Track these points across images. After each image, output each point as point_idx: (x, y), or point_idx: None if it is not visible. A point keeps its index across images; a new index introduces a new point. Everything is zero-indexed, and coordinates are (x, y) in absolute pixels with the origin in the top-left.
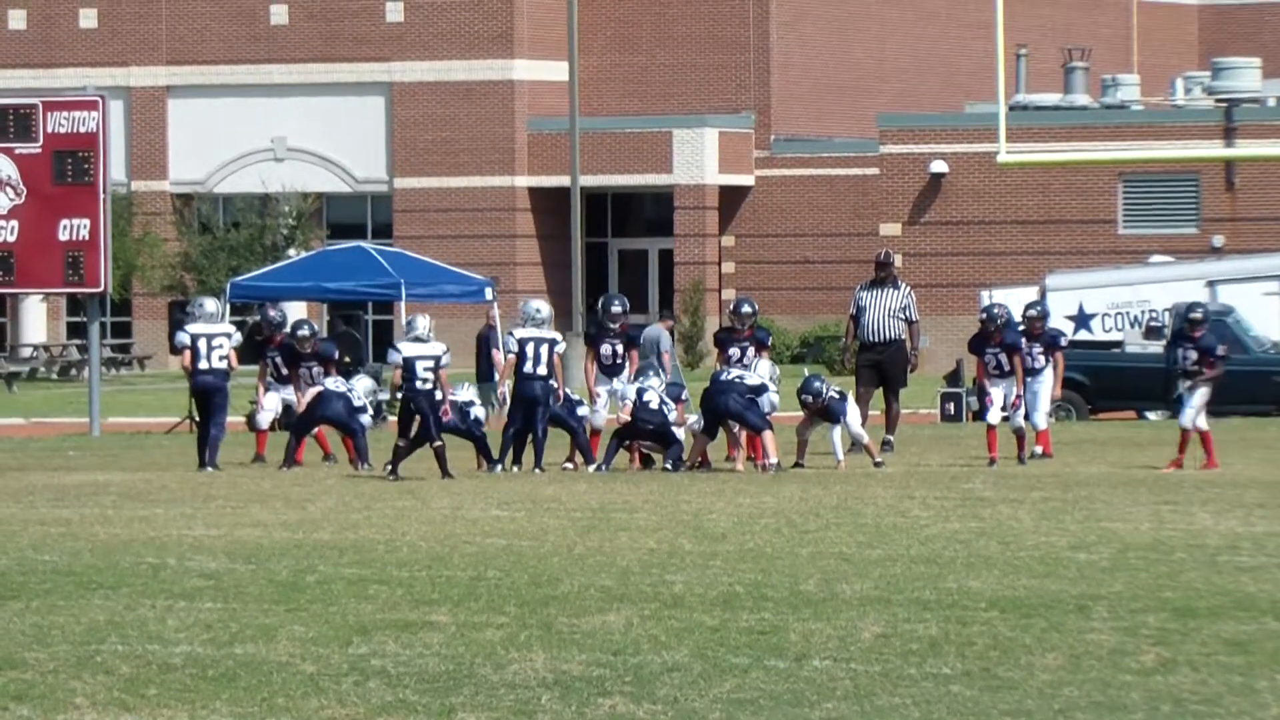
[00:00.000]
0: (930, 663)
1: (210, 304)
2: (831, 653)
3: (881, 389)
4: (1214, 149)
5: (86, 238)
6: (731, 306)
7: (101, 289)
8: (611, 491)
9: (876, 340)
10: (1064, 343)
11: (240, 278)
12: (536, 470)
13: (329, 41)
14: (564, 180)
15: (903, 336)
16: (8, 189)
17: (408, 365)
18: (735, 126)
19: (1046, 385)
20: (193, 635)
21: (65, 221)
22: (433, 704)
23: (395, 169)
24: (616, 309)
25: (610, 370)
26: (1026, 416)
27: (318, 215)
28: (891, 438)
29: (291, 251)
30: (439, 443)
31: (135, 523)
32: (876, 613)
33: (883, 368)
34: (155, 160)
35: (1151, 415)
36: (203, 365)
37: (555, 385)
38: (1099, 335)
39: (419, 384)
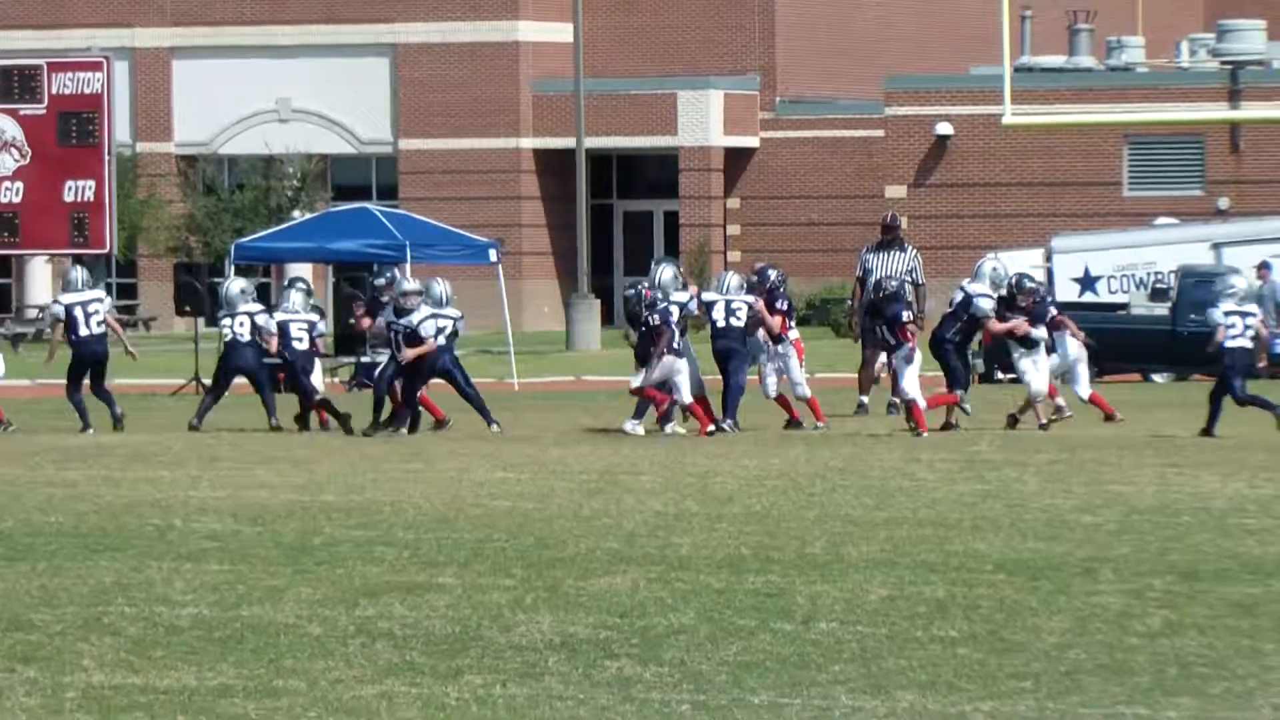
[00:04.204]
0: (937, 625)
1: (78, 273)
2: (838, 615)
3: (888, 352)
4: (1219, 111)
5: (91, 199)
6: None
7: (107, 250)
8: (617, 454)
9: None
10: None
11: (245, 239)
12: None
13: (333, 3)
14: (569, 142)
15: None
16: (12, 150)
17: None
18: (740, 88)
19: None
20: (200, 597)
21: (70, 183)
22: (439, 666)
23: (400, 130)
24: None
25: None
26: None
27: (322, 177)
28: (897, 400)
29: (296, 213)
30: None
31: (141, 484)
32: (883, 575)
33: None
34: (160, 122)
35: (1157, 377)
36: (83, 332)
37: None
38: (1105, 297)
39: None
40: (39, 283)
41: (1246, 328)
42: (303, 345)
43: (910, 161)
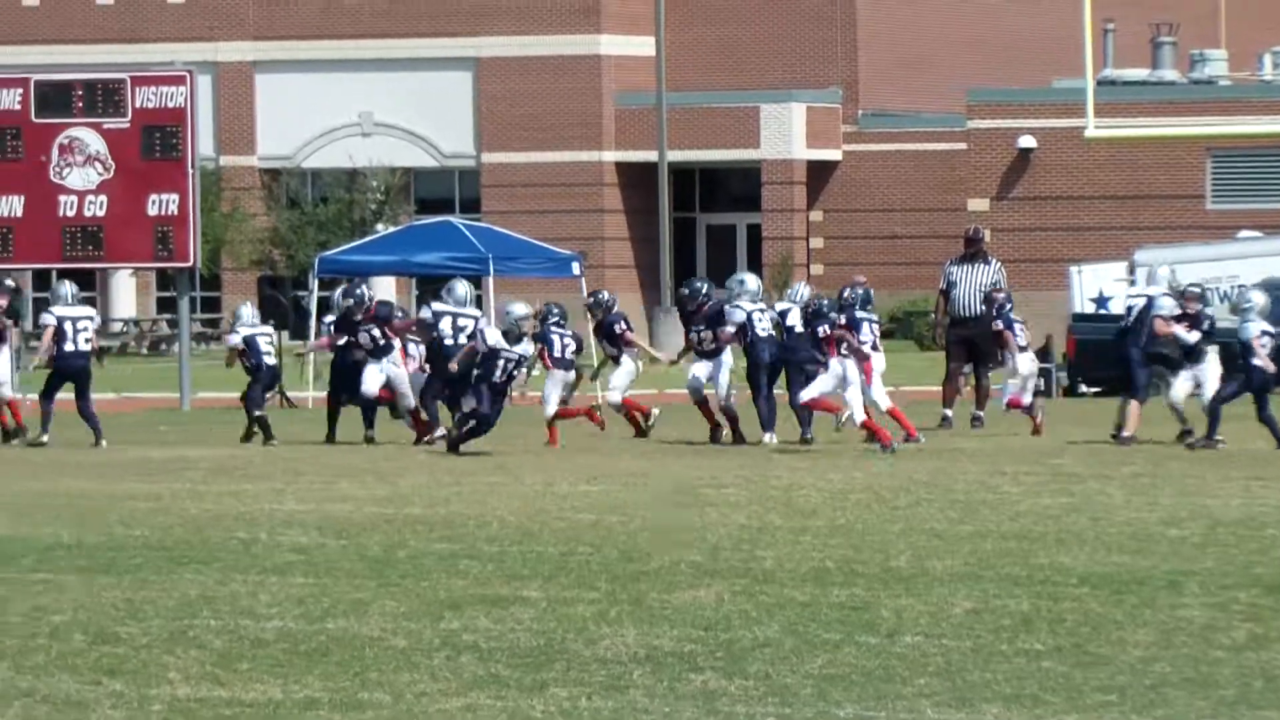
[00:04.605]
0: (1022, 639)
1: (67, 287)
2: (923, 629)
3: (972, 365)
4: None
5: (175, 213)
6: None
7: (191, 264)
8: (700, 467)
9: (967, 316)
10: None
11: (329, 252)
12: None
13: (415, 16)
14: (651, 155)
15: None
16: (96, 164)
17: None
18: (823, 101)
19: None
20: (285, 610)
21: (154, 196)
22: (524, 679)
23: (483, 144)
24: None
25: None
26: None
27: (405, 190)
28: (981, 413)
29: (380, 226)
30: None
31: (225, 497)
32: (968, 588)
33: (973, 343)
34: (243, 135)
35: None
36: (68, 347)
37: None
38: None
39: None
40: (124, 296)
41: (1271, 350)
42: (271, 359)
43: (993, 174)
